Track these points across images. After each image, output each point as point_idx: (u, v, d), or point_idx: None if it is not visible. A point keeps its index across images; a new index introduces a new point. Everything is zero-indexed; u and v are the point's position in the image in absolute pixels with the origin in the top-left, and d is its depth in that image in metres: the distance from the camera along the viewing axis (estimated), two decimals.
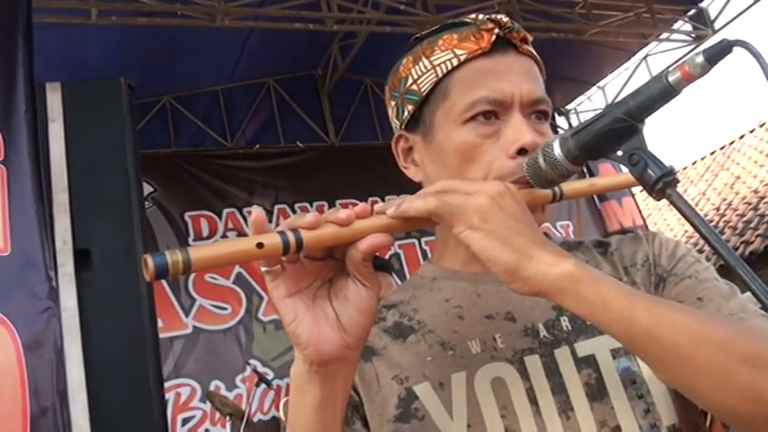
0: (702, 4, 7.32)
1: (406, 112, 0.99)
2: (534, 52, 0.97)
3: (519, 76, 0.93)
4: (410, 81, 0.97)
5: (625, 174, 0.98)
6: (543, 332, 0.93)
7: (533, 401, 0.88)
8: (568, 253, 0.76)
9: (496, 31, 0.93)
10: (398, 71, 1.00)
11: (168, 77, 6.26)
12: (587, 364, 0.90)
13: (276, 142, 7.13)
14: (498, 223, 0.74)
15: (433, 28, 1.00)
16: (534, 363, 0.90)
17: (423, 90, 0.96)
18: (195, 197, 6.34)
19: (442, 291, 0.99)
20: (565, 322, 0.93)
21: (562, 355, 0.91)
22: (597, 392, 0.88)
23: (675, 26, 7.45)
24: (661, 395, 0.89)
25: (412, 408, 0.89)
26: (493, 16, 0.94)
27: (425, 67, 0.96)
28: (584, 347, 0.91)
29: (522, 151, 0.89)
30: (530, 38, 0.97)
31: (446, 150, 0.94)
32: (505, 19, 0.94)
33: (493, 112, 0.91)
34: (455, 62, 0.93)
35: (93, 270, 2.24)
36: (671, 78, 0.74)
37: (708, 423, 0.89)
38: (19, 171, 2.08)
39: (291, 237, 0.70)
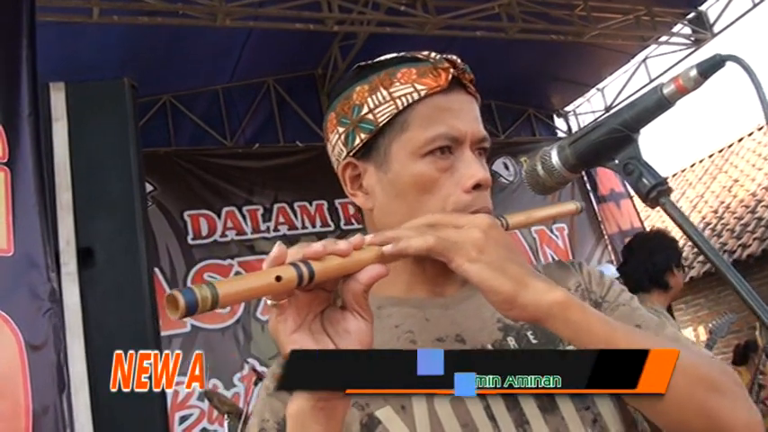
0: (702, 8, 7.33)
1: (357, 140, 1.00)
2: (476, 92, 1.03)
3: (469, 115, 0.99)
4: (365, 110, 0.99)
5: (561, 204, 1.07)
6: None
7: (491, 418, 0.90)
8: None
9: (452, 70, 0.98)
10: (351, 98, 1.01)
11: (168, 76, 6.26)
12: None
13: (276, 142, 7.13)
14: (494, 254, 0.79)
15: (382, 58, 1.04)
16: None
17: (380, 120, 0.98)
18: (194, 196, 6.35)
19: (391, 317, 1.00)
20: (511, 342, 0.96)
21: None
22: (548, 405, 0.92)
23: (675, 29, 7.46)
24: (606, 405, 0.94)
25: None
26: (448, 56, 1.00)
27: (383, 98, 0.98)
28: None
29: (476, 186, 0.95)
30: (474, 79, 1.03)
31: (403, 181, 0.97)
32: (459, 60, 1.00)
33: (448, 147, 0.97)
34: (416, 96, 0.97)
35: (96, 268, 2.26)
36: (665, 91, 0.77)
37: None
38: (23, 173, 2.08)
39: (304, 269, 0.72)
